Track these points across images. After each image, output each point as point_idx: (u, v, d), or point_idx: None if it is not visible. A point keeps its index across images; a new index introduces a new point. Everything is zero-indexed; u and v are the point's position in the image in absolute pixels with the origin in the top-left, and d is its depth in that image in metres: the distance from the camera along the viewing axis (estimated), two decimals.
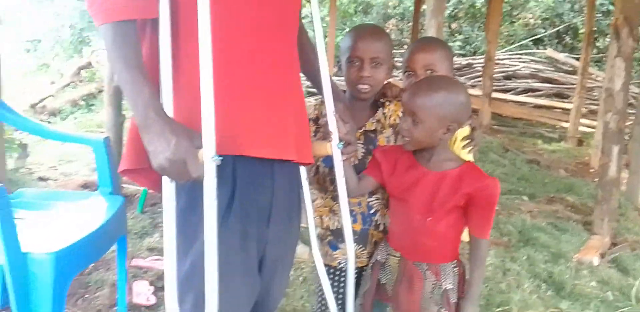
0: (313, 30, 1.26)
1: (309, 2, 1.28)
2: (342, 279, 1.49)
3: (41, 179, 3.73)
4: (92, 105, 6.42)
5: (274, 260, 1.18)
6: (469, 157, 1.42)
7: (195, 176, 0.93)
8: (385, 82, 1.47)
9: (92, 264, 2.39)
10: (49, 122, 5.80)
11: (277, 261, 1.19)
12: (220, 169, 0.96)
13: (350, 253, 1.30)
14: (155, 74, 1.00)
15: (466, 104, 1.27)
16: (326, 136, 1.25)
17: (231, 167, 1.05)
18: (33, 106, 6.01)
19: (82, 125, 5.73)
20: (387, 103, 1.47)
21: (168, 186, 0.98)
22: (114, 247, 1.92)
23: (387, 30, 10.57)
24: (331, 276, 1.49)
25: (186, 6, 1.00)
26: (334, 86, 1.30)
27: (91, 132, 4.88)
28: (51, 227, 1.65)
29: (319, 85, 1.27)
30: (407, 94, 1.29)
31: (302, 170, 1.25)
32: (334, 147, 1.24)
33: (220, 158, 0.94)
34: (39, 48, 8.18)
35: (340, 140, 1.24)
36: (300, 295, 2.29)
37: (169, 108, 0.98)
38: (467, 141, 1.40)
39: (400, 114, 1.44)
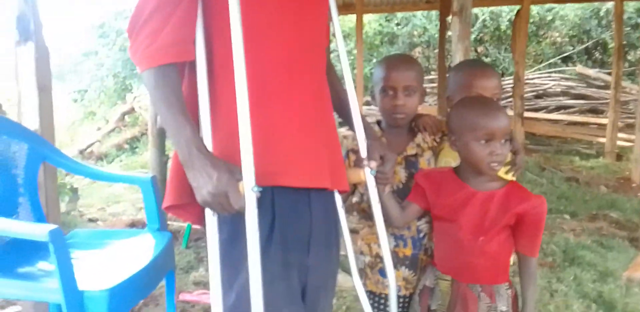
0: (340, 64, 1.31)
1: (335, 37, 1.34)
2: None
3: (91, 220, 3.90)
4: (136, 147, 6.72)
5: (317, 287, 1.19)
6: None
7: (237, 208, 0.97)
8: (420, 114, 1.50)
9: (142, 301, 2.47)
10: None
11: (320, 287, 1.20)
12: (259, 200, 0.99)
13: (391, 279, 1.31)
14: (194, 112, 1.06)
15: None
16: (360, 163, 1.28)
17: (270, 197, 1.08)
18: (81, 152, 6.34)
19: (127, 167, 5.99)
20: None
21: (211, 220, 1.02)
22: (163, 282, 2.00)
23: None
24: (383, 305, 1.49)
25: (221, 48, 1.08)
26: (364, 120, 1.33)
27: (136, 173, 5.08)
28: (104, 265, 1.75)
29: (349, 118, 1.31)
30: (492, 120, 1.26)
31: (338, 198, 1.27)
32: (367, 174, 1.26)
33: (260, 189, 0.98)
34: (86, 97, 8.65)
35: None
36: None
37: (208, 144, 1.04)
38: (510, 166, 1.40)
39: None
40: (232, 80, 1.00)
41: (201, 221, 1.09)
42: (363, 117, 1.33)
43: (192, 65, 1.09)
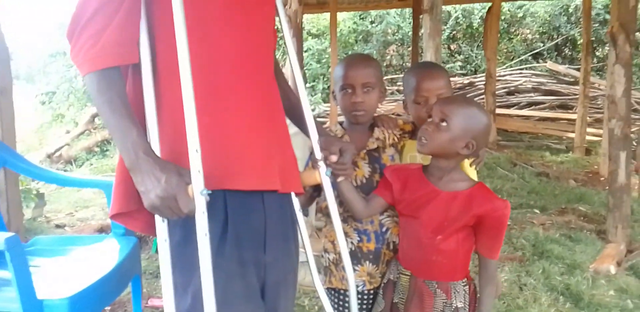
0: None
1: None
2: (361, 301, 1.49)
3: (58, 226, 3.81)
4: (107, 150, 6.61)
5: (276, 283, 1.18)
6: (473, 172, 1.45)
7: (186, 211, 0.95)
8: (377, 114, 1.53)
9: (109, 307, 2.43)
10: (65, 170, 5.95)
11: (280, 283, 1.19)
12: (211, 200, 0.98)
13: (350, 276, 1.30)
14: (139, 115, 1.03)
15: (489, 128, 1.32)
16: (315, 165, 1.27)
17: (222, 197, 1.06)
18: (50, 156, 6.20)
19: (97, 170, 5.88)
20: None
21: (161, 225, 1.00)
22: (130, 288, 1.97)
23: (388, 56, 10.78)
24: (349, 303, 1.45)
25: (165, 49, 1.05)
26: (315, 121, 1.33)
27: (105, 177, 5.00)
28: (66, 273, 1.72)
29: (301, 121, 1.30)
30: (441, 100, 1.33)
31: (295, 200, 1.26)
32: (322, 175, 1.25)
33: (209, 192, 0.96)
34: (54, 99, 8.45)
35: (328, 167, 1.26)
36: None
37: (156, 147, 1.01)
38: (474, 158, 1.42)
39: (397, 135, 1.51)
40: (177, 82, 0.98)
41: (150, 228, 1.06)
42: (314, 118, 1.33)
43: (136, 67, 1.06)
